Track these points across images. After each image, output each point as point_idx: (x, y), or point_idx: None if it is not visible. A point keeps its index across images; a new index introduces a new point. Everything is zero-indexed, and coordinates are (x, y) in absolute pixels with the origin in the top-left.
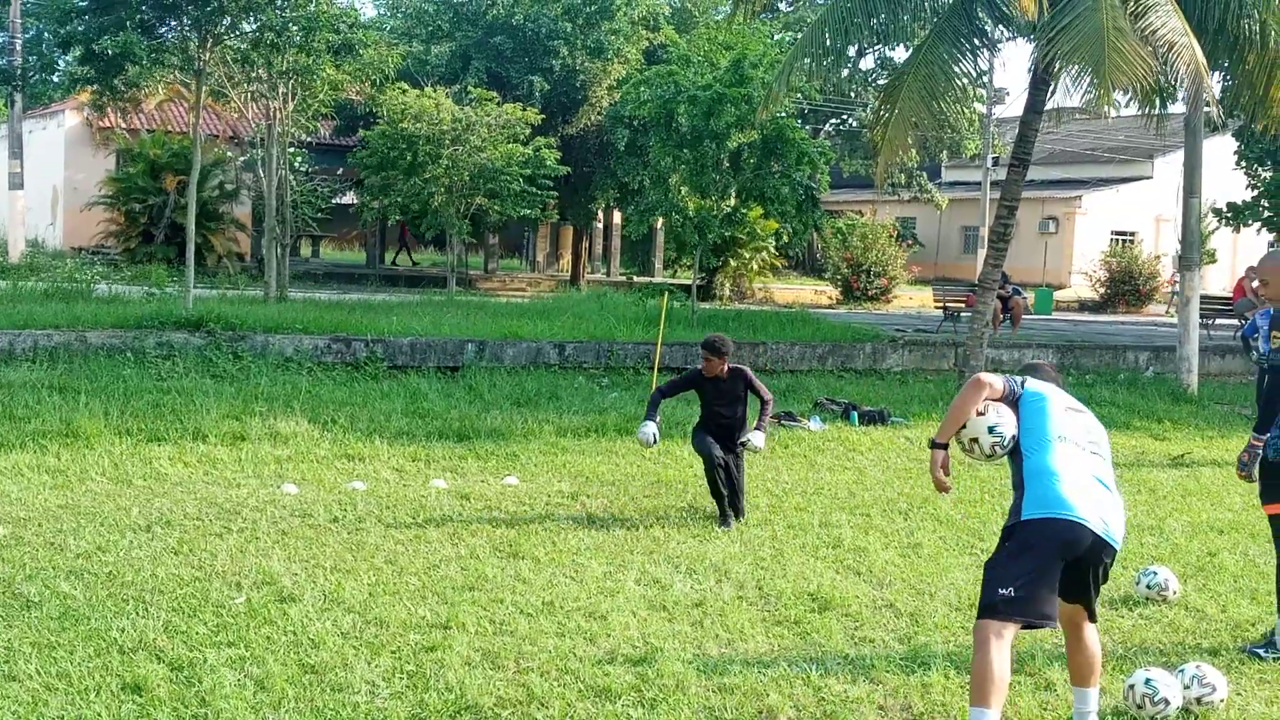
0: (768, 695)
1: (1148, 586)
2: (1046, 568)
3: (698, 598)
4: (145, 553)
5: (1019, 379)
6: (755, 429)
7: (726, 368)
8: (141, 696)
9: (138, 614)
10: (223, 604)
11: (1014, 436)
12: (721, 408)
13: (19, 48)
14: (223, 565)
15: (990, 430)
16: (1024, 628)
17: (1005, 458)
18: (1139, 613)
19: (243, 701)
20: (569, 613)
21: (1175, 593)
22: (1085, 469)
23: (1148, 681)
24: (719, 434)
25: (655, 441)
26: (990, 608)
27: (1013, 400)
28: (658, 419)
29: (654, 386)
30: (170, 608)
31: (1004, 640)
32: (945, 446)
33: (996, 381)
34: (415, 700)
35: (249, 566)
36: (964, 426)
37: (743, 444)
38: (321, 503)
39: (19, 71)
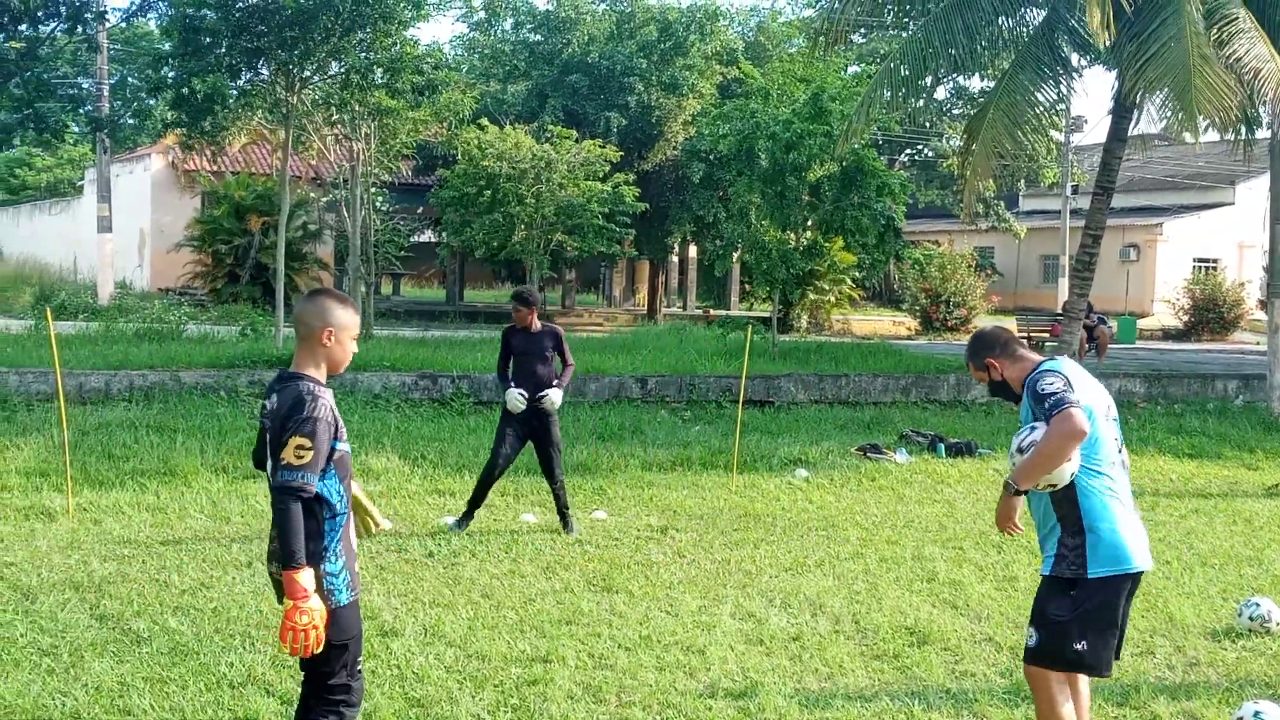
0: None
1: (1250, 618)
2: (1114, 620)
3: (794, 632)
4: (248, 588)
5: (1064, 378)
6: (554, 387)
7: (537, 322)
8: None
9: (245, 649)
10: None
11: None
12: (529, 361)
13: (106, 94)
14: None
15: (1070, 474)
16: None
17: None
18: (1242, 645)
19: None
20: (667, 646)
21: (1279, 624)
22: (1128, 493)
23: (1256, 715)
24: (527, 386)
25: (524, 403)
26: (1064, 661)
27: None
28: (512, 383)
29: (739, 422)
30: (276, 642)
31: (1065, 688)
32: (1025, 493)
33: (1089, 425)
34: None
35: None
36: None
37: (540, 398)
38: (416, 538)
39: (107, 117)
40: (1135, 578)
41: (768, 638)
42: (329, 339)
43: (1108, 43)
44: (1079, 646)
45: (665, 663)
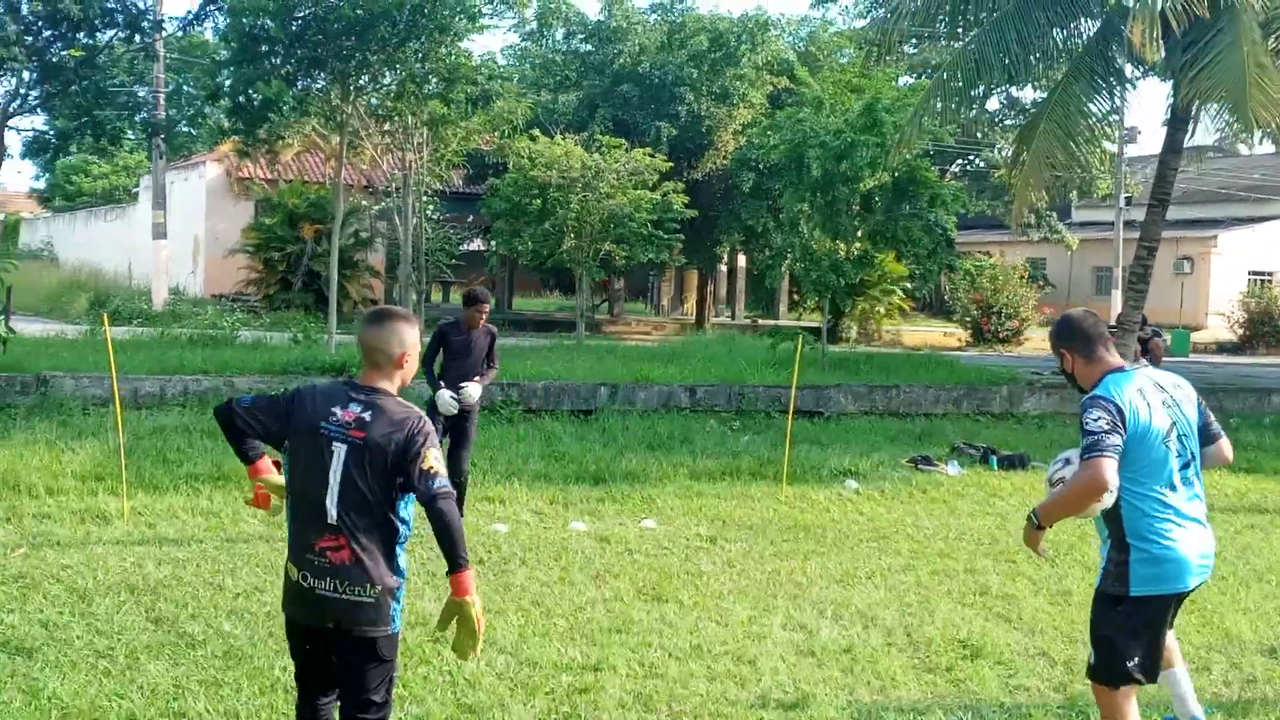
0: None
1: None
2: (1162, 634)
3: (846, 643)
4: None
5: (1116, 409)
6: (475, 382)
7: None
8: None
9: None
10: None
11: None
12: (464, 361)
13: (163, 101)
14: None
15: (1105, 506)
16: None
17: None
18: None
19: None
20: (717, 656)
21: None
22: (1193, 510)
23: None
24: (455, 385)
25: (457, 407)
26: (1120, 678)
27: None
28: (442, 384)
29: (789, 432)
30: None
31: (1129, 702)
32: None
33: (1115, 479)
34: None
35: (402, 607)
36: None
37: (461, 389)
38: (467, 545)
39: (163, 124)
40: (1183, 595)
41: (819, 649)
42: (405, 361)
43: (1158, 56)
44: (1131, 664)
45: (716, 672)
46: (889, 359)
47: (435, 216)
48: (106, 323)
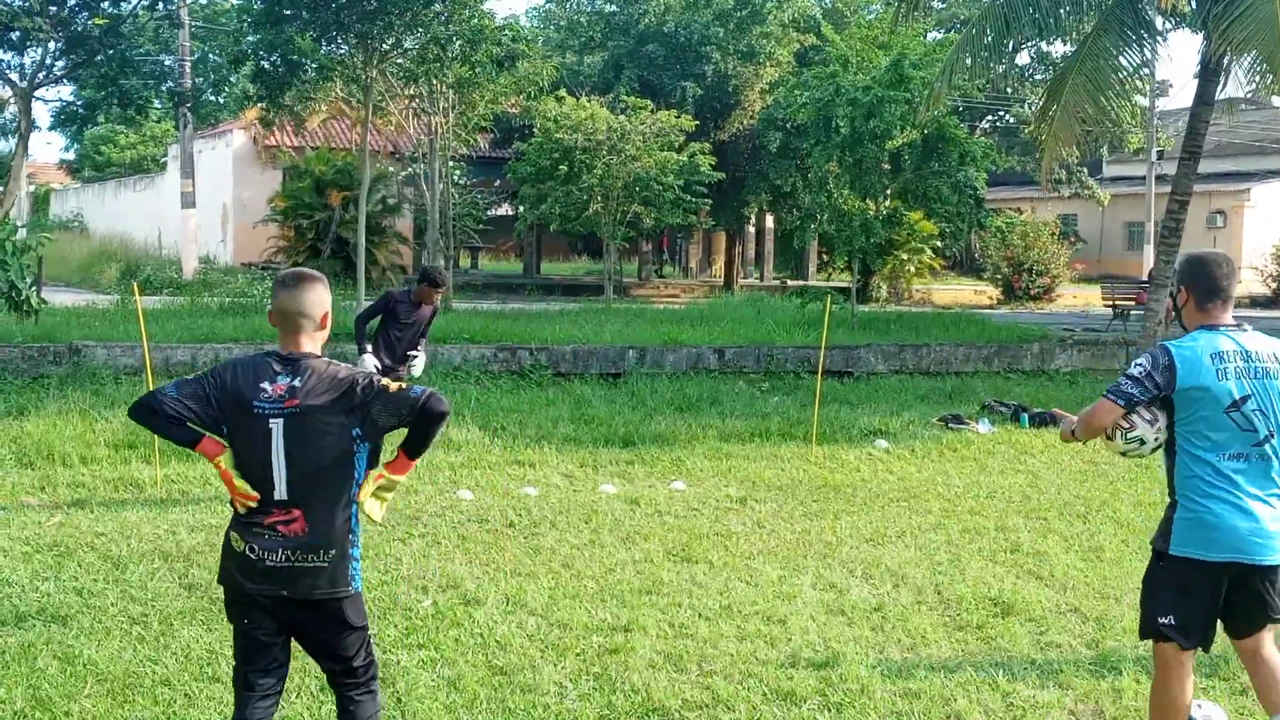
0: (955, 700)
1: None
2: (1205, 602)
3: (876, 602)
4: None
5: (1165, 364)
6: (419, 350)
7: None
8: None
9: None
10: (411, 607)
11: (1158, 437)
12: (409, 333)
13: (189, 70)
14: (408, 569)
15: (1130, 449)
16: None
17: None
18: None
19: (437, 702)
20: (747, 616)
21: None
22: (1259, 483)
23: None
24: (394, 356)
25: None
26: (1154, 632)
27: (1161, 397)
28: (369, 349)
29: (818, 392)
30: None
31: (1185, 669)
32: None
33: (1105, 422)
34: (603, 702)
35: (433, 570)
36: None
37: (412, 358)
38: (497, 508)
39: (189, 93)
40: (1235, 569)
41: (849, 608)
42: (327, 322)
43: (1189, 7)
44: (1164, 620)
45: (746, 632)
46: (919, 318)
47: (462, 181)
48: (137, 292)
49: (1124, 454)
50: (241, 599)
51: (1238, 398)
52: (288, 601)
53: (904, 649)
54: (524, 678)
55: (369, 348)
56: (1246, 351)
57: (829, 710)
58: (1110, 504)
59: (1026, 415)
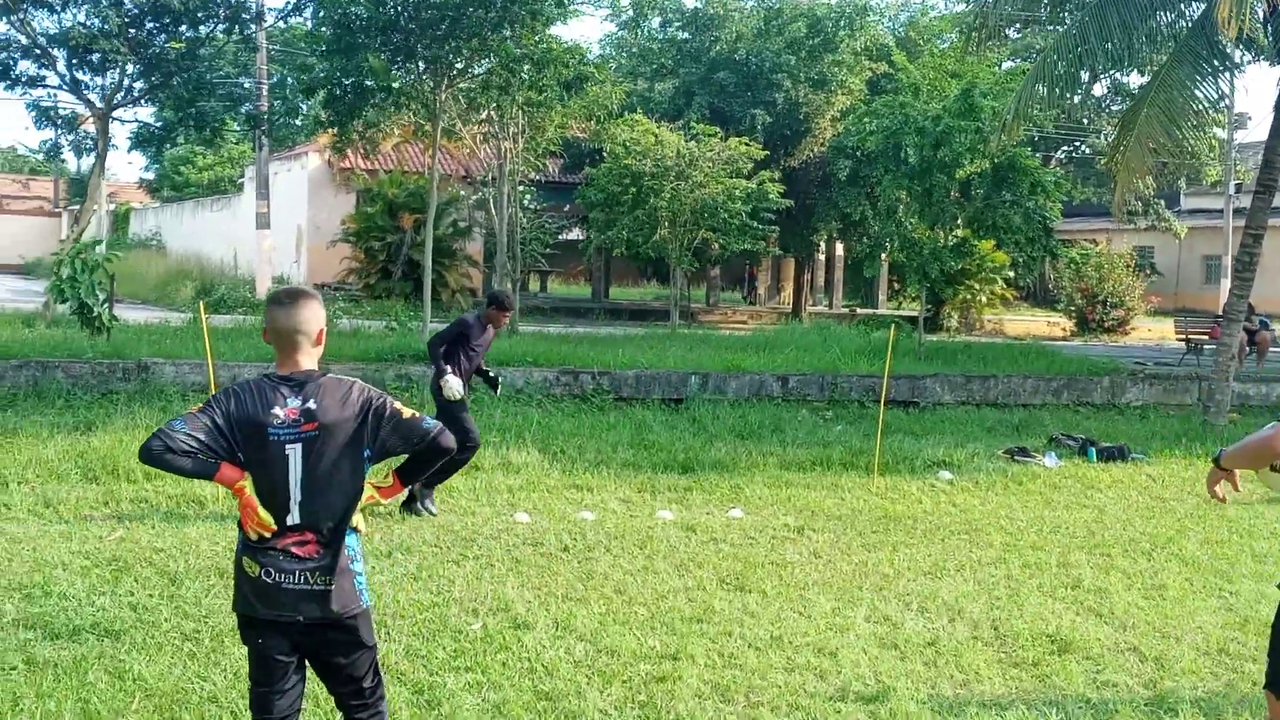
0: None
1: None
2: None
3: (930, 636)
4: (387, 578)
5: None
6: (495, 374)
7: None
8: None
9: (380, 638)
10: (460, 630)
11: None
12: (478, 355)
13: (265, 93)
14: (460, 592)
15: None
16: None
17: None
18: None
19: None
20: (798, 648)
21: None
22: None
23: None
24: (462, 375)
25: (461, 393)
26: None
27: None
28: (450, 368)
29: (879, 422)
30: (410, 632)
31: None
32: (1230, 472)
33: None
34: None
35: (484, 593)
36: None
37: (498, 380)
38: (552, 531)
39: (266, 116)
40: None
41: (902, 642)
42: (323, 338)
43: (1268, 39)
44: None
45: (795, 664)
46: (987, 348)
47: (532, 206)
48: (202, 310)
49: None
50: (256, 622)
51: None
52: (304, 625)
53: (956, 685)
54: (569, 704)
55: (449, 367)
56: None
57: None
58: (1176, 541)
59: (1094, 449)
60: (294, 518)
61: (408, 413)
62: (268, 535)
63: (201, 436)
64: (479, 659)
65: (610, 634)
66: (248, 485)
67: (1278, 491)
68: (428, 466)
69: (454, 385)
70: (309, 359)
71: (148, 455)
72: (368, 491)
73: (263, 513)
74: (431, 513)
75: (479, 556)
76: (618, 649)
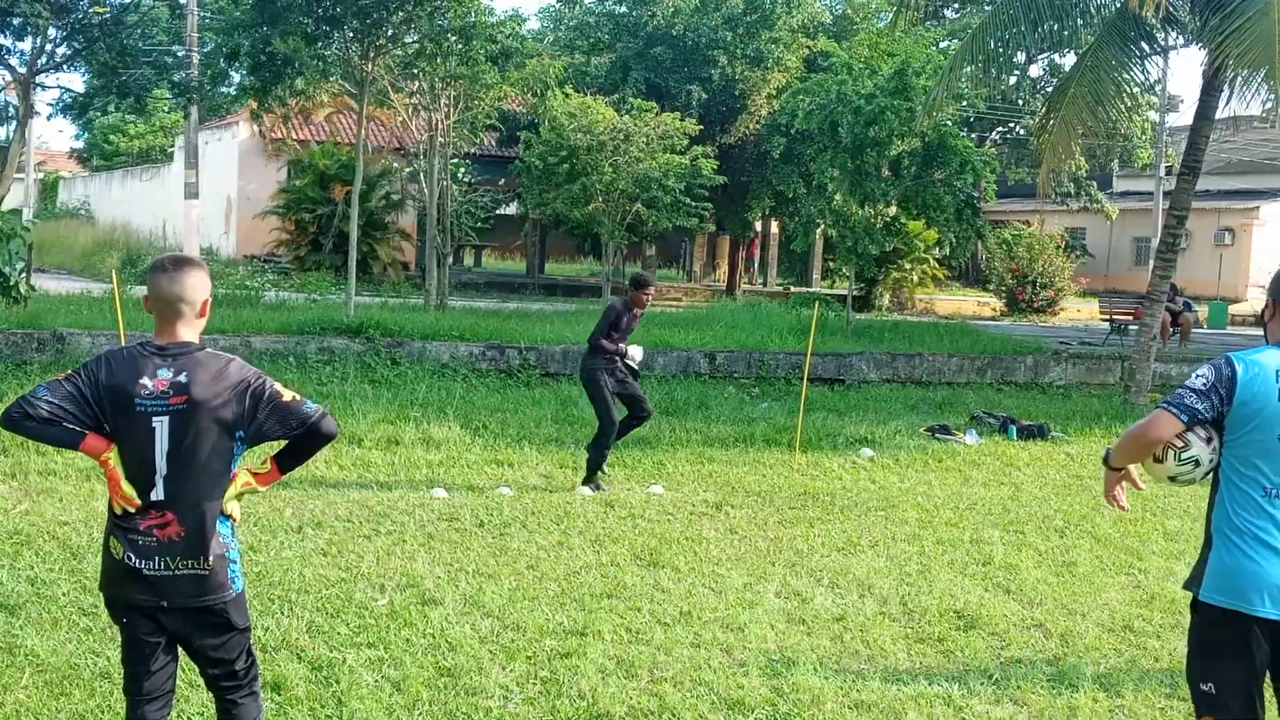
0: (906, 713)
1: None
2: (1239, 668)
3: (839, 612)
4: (295, 553)
5: (1228, 376)
6: (633, 345)
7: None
8: (280, 695)
9: (283, 613)
10: (366, 605)
11: (1213, 459)
12: (626, 335)
13: (195, 61)
14: (369, 567)
15: (1180, 475)
16: None
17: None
18: None
19: (378, 703)
20: (706, 623)
21: None
22: None
23: None
24: (610, 369)
25: (641, 355)
26: (1196, 700)
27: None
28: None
29: (803, 398)
30: (315, 608)
31: None
32: (1124, 471)
33: (1164, 433)
34: (547, 706)
35: (394, 569)
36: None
37: (631, 360)
38: (469, 507)
39: (195, 84)
40: (1272, 629)
41: (810, 617)
42: (208, 309)
43: (1148, 14)
44: (1205, 687)
45: (702, 639)
46: (914, 327)
47: (466, 179)
48: (115, 280)
49: (1173, 479)
50: (118, 607)
51: None
52: (169, 609)
53: (861, 660)
54: (470, 680)
55: (620, 346)
56: None
57: None
58: (1090, 519)
59: (1015, 427)
60: (158, 493)
61: (288, 396)
62: (132, 510)
63: (67, 405)
64: (382, 635)
65: (518, 610)
66: (113, 457)
67: (1162, 482)
68: (309, 453)
69: (634, 352)
70: (190, 330)
71: (8, 422)
72: (243, 478)
73: (126, 486)
74: (601, 488)
75: (391, 532)
76: (524, 625)
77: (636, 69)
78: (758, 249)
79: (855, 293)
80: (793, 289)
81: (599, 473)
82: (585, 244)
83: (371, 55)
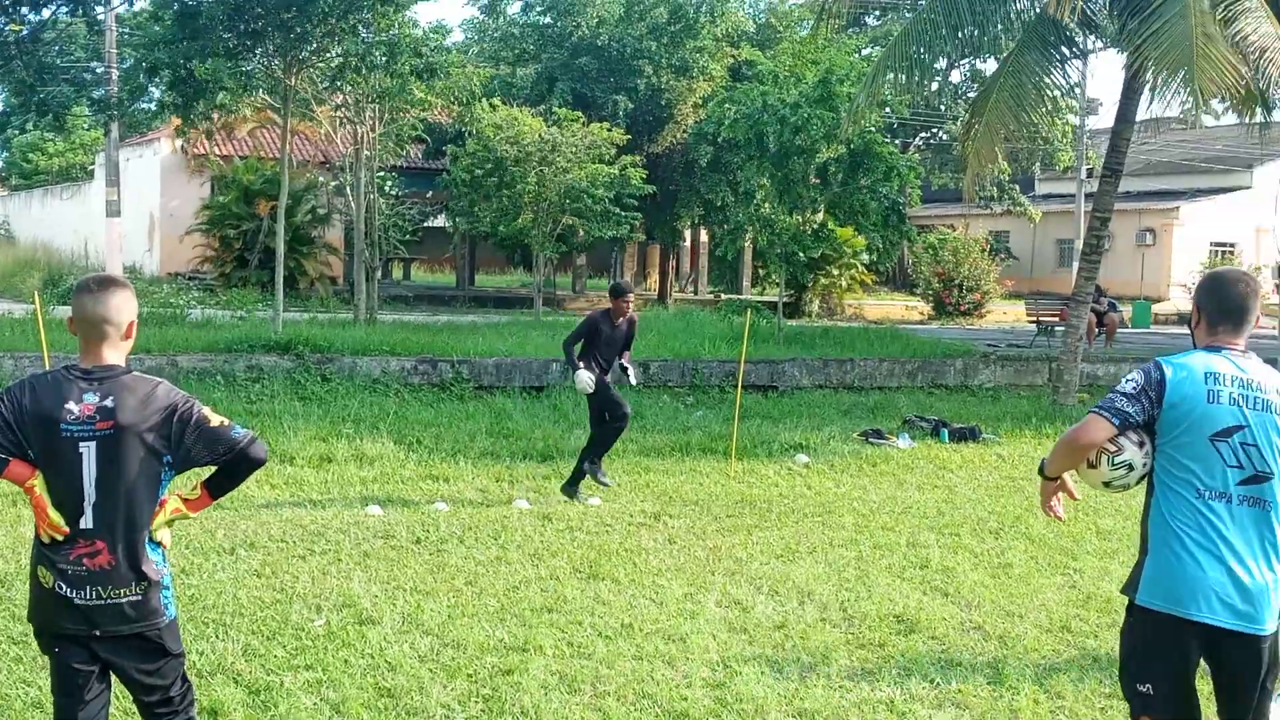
0: (849, 719)
1: None
2: (1177, 668)
3: (780, 620)
4: (229, 575)
5: (1157, 380)
6: (627, 365)
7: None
8: None
9: (218, 636)
10: (303, 627)
11: (1146, 463)
12: (611, 350)
13: (115, 77)
14: (304, 588)
15: (1115, 480)
16: None
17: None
18: None
19: None
20: (648, 635)
21: None
22: (1236, 533)
23: None
24: (602, 370)
25: (593, 386)
26: (1133, 702)
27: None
28: (582, 364)
29: (738, 406)
30: (250, 630)
31: None
32: (1060, 480)
33: (1097, 436)
34: None
35: (330, 589)
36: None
37: (625, 371)
38: (405, 524)
39: (115, 101)
40: (1207, 633)
41: (752, 626)
42: (133, 331)
43: (1064, 17)
44: (1142, 689)
45: (645, 651)
46: (845, 333)
47: (394, 192)
48: (38, 300)
49: (1108, 485)
50: (47, 637)
51: (1227, 426)
52: (102, 638)
53: (803, 667)
54: (411, 700)
55: (581, 364)
56: (1248, 379)
57: None
58: (1024, 519)
59: (947, 430)
60: (87, 521)
61: (216, 420)
62: (60, 538)
63: None
64: (320, 656)
65: (458, 627)
66: (39, 484)
67: (1097, 488)
68: (238, 479)
69: (583, 379)
70: (115, 353)
71: None
72: (173, 504)
73: (54, 514)
74: (605, 484)
75: (326, 551)
76: (464, 642)
77: (562, 80)
78: (699, 258)
79: (785, 299)
80: (723, 296)
81: (599, 476)
82: (515, 255)
83: (295, 69)
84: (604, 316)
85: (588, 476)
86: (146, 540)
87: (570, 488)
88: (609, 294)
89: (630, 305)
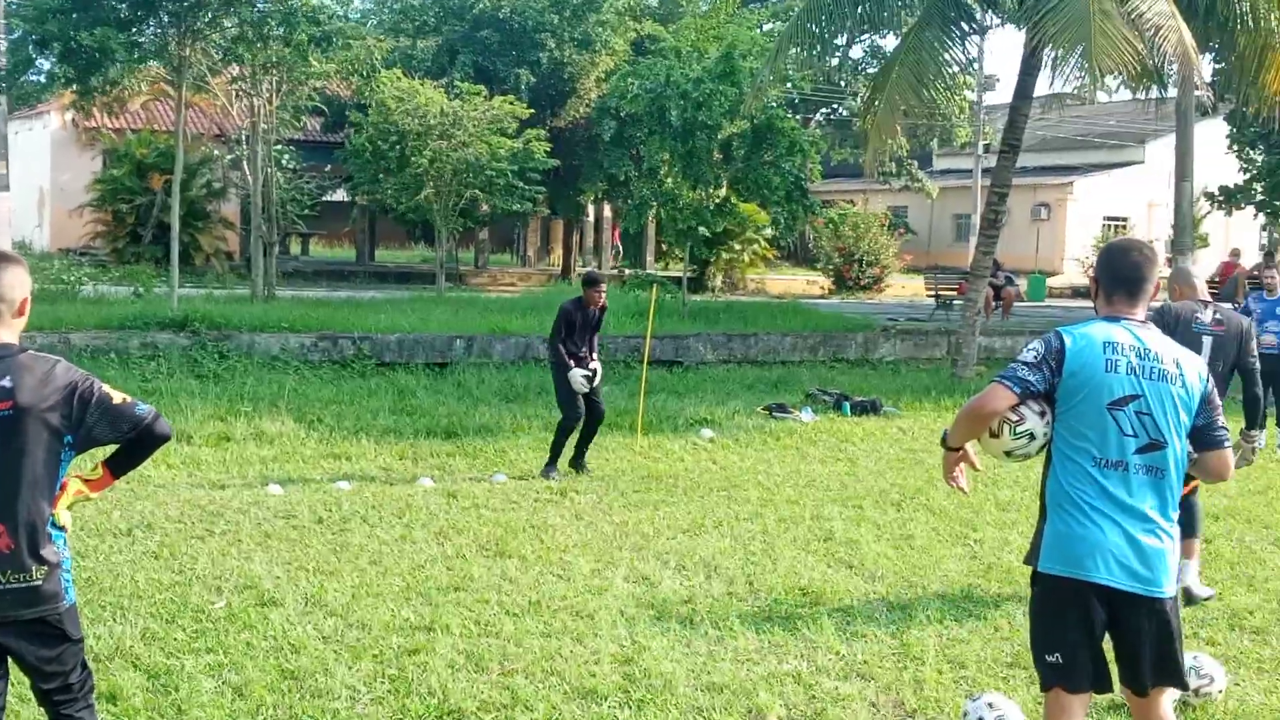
0: (757, 693)
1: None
2: (1082, 635)
3: (687, 594)
4: (125, 557)
5: (1056, 349)
6: (597, 368)
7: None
8: (117, 706)
9: (115, 620)
10: (203, 609)
11: (1046, 432)
12: (583, 334)
13: (3, 48)
14: (204, 569)
15: (1016, 449)
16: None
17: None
18: None
19: (220, 710)
20: (555, 612)
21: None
22: (1135, 499)
23: (990, 706)
24: (579, 360)
25: (589, 385)
26: (1042, 673)
27: (1049, 390)
28: (573, 362)
29: (643, 381)
30: (149, 614)
31: (1069, 713)
32: (962, 451)
33: (998, 404)
34: (397, 705)
35: (230, 570)
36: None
37: (593, 369)
38: (306, 503)
39: (3, 73)
40: (1108, 596)
41: (659, 601)
42: (27, 307)
43: None
44: (1050, 659)
45: (552, 629)
46: (748, 307)
47: (291, 165)
48: None
49: (1009, 454)
50: None
51: (1123, 395)
52: (1, 624)
53: (711, 641)
54: (316, 682)
55: (571, 361)
56: (1145, 349)
57: (629, 707)
58: (925, 491)
59: (848, 404)
60: None
61: (118, 398)
62: None
63: None
64: (221, 639)
65: (362, 607)
66: None
67: (999, 458)
68: (142, 457)
69: (578, 378)
70: (8, 332)
71: None
72: (75, 486)
73: None
74: (554, 479)
75: (226, 531)
76: (369, 622)
77: (464, 53)
78: (618, 233)
79: (689, 274)
80: (627, 271)
81: (556, 461)
82: (417, 230)
83: (190, 40)
84: (576, 305)
85: (562, 455)
86: (44, 523)
87: (549, 468)
88: (582, 283)
89: (603, 294)
